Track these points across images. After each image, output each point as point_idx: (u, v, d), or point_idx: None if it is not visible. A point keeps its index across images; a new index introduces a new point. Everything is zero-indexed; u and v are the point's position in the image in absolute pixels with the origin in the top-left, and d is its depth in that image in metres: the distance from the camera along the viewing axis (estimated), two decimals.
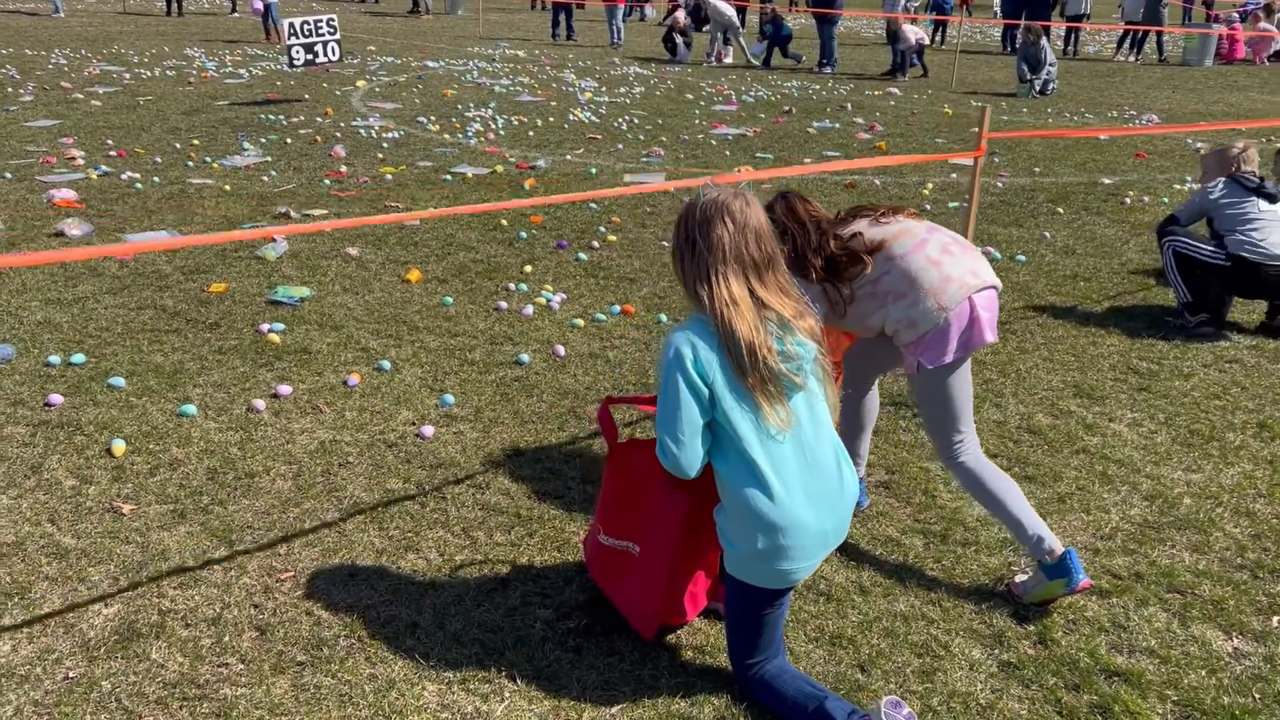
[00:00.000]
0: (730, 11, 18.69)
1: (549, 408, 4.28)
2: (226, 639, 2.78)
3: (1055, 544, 2.93)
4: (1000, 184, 8.80)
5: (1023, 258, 6.59)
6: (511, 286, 5.71)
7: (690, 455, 2.39)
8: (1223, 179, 5.25)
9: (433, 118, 11.42)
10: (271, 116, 11.12)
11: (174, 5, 24.97)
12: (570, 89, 14.25)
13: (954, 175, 9.13)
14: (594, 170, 8.92)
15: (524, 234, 6.81)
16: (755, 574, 2.45)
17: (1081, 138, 11.02)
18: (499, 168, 8.86)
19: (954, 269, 2.94)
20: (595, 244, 6.66)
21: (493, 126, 11.02)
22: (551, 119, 11.64)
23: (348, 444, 3.91)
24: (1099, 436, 4.11)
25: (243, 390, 4.34)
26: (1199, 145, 10.81)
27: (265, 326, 5.03)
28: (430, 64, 16.70)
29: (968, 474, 3.04)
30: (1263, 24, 21.54)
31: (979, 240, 6.75)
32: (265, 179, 8.25)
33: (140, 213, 7.09)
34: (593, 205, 7.65)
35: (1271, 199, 5.12)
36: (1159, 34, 20.97)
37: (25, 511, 3.37)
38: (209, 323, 5.11)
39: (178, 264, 6.00)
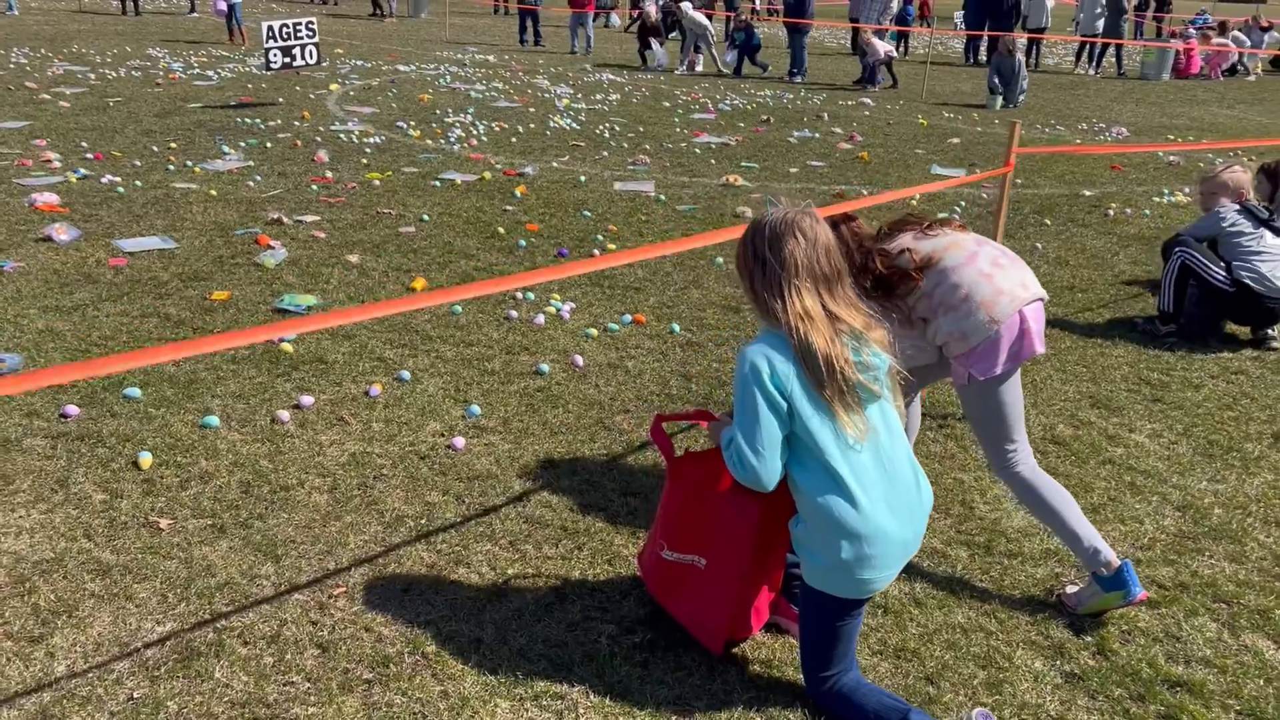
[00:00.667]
0: (704, 20, 18.78)
1: (576, 418, 4.26)
2: (288, 657, 2.73)
3: (1111, 556, 2.96)
4: (985, 194, 8.92)
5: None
6: (519, 295, 5.67)
7: (770, 469, 2.40)
8: (1235, 206, 5.35)
9: (412, 123, 11.33)
10: (247, 120, 10.96)
11: (130, 4, 24.51)
12: (546, 95, 14.21)
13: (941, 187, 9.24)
14: (583, 178, 8.90)
15: (523, 242, 6.77)
16: (837, 584, 2.45)
17: (1064, 151, 11.21)
18: (487, 174, 8.80)
19: (1005, 282, 2.97)
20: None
21: (474, 132, 10.95)
22: (532, 125, 11.60)
23: (379, 456, 3.86)
24: (1122, 447, 4.18)
25: (263, 400, 4.27)
26: (1172, 158, 11.05)
27: (275, 336, 4.94)
28: (401, 68, 16.56)
29: (1023, 485, 3.07)
30: (1217, 40, 22.10)
31: None
32: (250, 184, 8.12)
33: (127, 218, 6.94)
34: (587, 213, 7.63)
35: (1277, 232, 5.26)
36: (1118, 48, 21.41)
37: (59, 526, 3.28)
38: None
39: (174, 270, 5.88)
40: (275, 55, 12.24)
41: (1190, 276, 5.33)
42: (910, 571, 3.25)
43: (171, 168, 8.52)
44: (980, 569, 3.29)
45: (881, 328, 2.54)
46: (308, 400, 4.25)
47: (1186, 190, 9.13)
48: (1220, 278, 5.23)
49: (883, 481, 2.44)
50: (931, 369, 3.33)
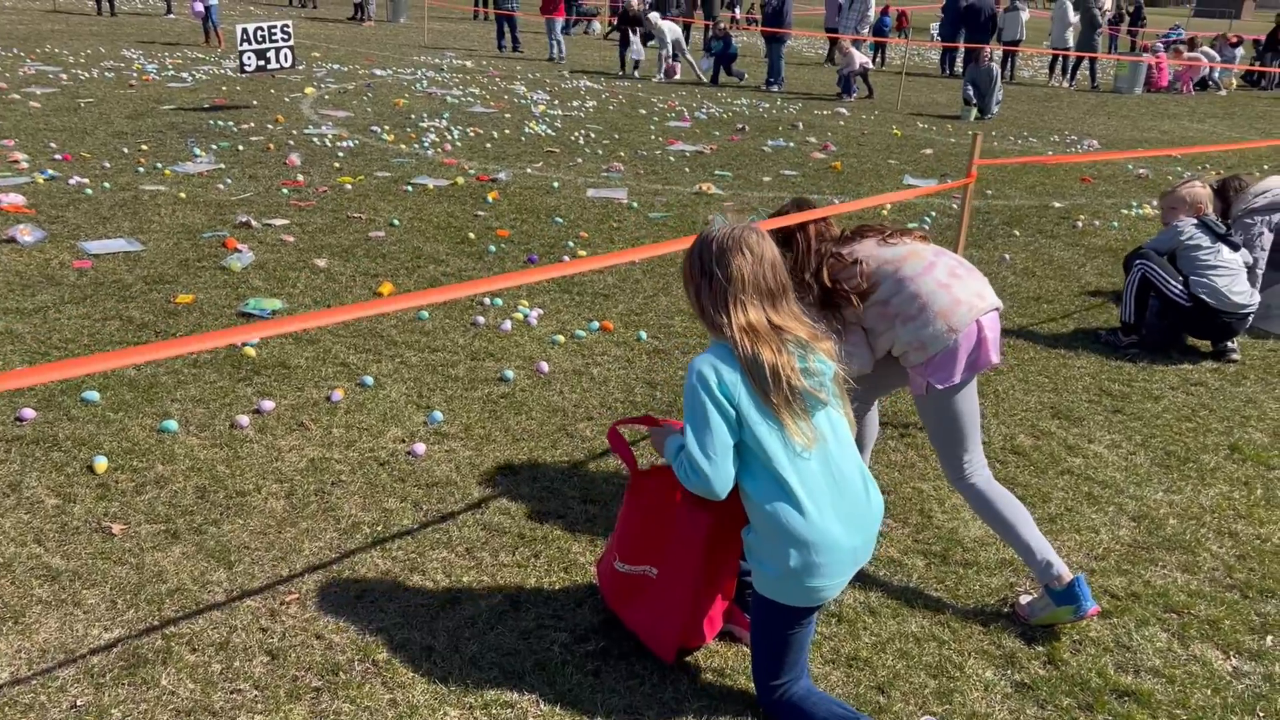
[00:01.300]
0: (676, 29, 18.83)
1: (539, 425, 4.25)
2: (237, 664, 2.70)
3: (1064, 570, 2.98)
4: (955, 205, 8.98)
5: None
6: (486, 301, 5.65)
7: (723, 475, 2.40)
8: (1193, 220, 5.42)
9: (387, 127, 11.30)
10: (221, 122, 10.89)
11: (105, 4, 24.34)
12: (523, 101, 14.21)
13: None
14: (556, 184, 8.90)
15: (493, 248, 6.76)
16: (787, 592, 2.45)
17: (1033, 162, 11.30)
18: (459, 179, 8.79)
19: (962, 292, 2.99)
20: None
21: (449, 137, 10.93)
22: (507, 131, 11.59)
23: (338, 462, 3.83)
24: (1081, 458, 4.21)
25: (223, 405, 4.23)
26: (1140, 170, 11.16)
27: (239, 340, 4.91)
28: (378, 72, 16.52)
29: (978, 496, 3.08)
30: (1188, 54, 22.36)
31: None
32: (220, 186, 8.07)
33: (94, 219, 6.88)
34: (558, 219, 7.63)
35: (1235, 247, 5.34)
36: (1092, 61, 21.63)
37: (9, 531, 3.24)
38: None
39: (139, 273, 5.83)
40: (250, 58, 12.18)
41: (1150, 289, 5.38)
42: (865, 580, 3.26)
43: (141, 170, 8.46)
44: (936, 578, 3.31)
45: (828, 339, 2.57)
46: (268, 405, 4.22)
47: (1154, 203, 9.22)
48: (1178, 291, 5.29)
49: (831, 490, 2.45)
50: (888, 379, 3.35)
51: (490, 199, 8.16)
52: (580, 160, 10.16)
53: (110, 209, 7.18)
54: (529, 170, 9.52)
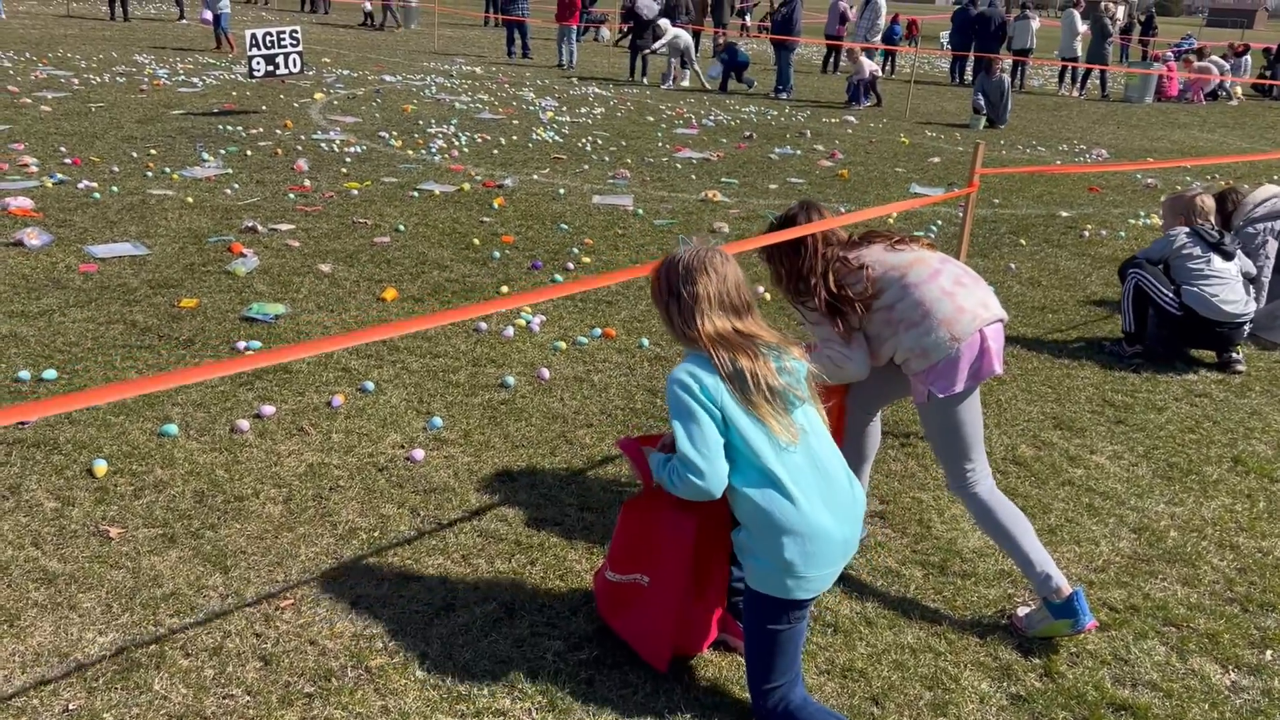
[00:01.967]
0: (685, 35, 18.85)
1: (539, 432, 4.25)
2: (230, 669, 2.70)
3: (1063, 583, 2.96)
4: (961, 214, 8.95)
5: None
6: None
7: (718, 471, 2.43)
8: (1185, 229, 5.40)
9: (394, 133, 11.33)
10: (229, 127, 10.94)
11: (118, 10, 24.48)
12: (531, 108, 14.24)
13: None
14: (562, 191, 8.91)
15: (497, 254, 6.77)
16: (781, 584, 2.46)
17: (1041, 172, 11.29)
18: (466, 185, 8.80)
19: (966, 300, 2.98)
20: (570, 265, 6.64)
21: (456, 143, 10.96)
22: (515, 138, 11.61)
23: (337, 467, 3.84)
24: (1082, 469, 4.19)
25: (224, 410, 4.24)
26: (1149, 180, 11.13)
27: (241, 344, 4.93)
28: (387, 78, 16.57)
29: (980, 505, 3.07)
30: (1198, 64, 22.30)
31: None
32: (228, 191, 8.10)
33: (101, 223, 6.92)
34: (564, 226, 7.64)
35: (1227, 256, 5.30)
36: (1102, 70, 21.59)
37: (7, 534, 3.25)
38: (182, 339, 4.99)
39: (144, 277, 5.85)
40: (259, 63, 12.23)
41: (1145, 297, 5.37)
42: (862, 590, 3.25)
43: (150, 174, 8.50)
44: (934, 589, 3.29)
45: (797, 343, 2.64)
46: (269, 410, 4.23)
47: (1159, 211, 9.18)
48: (1169, 300, 5.28)
49: (818, 480, 2.49)
50: (890, 387, 3.33)
51: (496, 205, 8.18)
52: (587, 167, 10.18)
53: (118, 213, 7.21)
54: (535, 177, 9.53)
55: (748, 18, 33.95)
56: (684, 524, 2.66)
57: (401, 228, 7.27)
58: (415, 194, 8.40)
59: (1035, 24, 21.57)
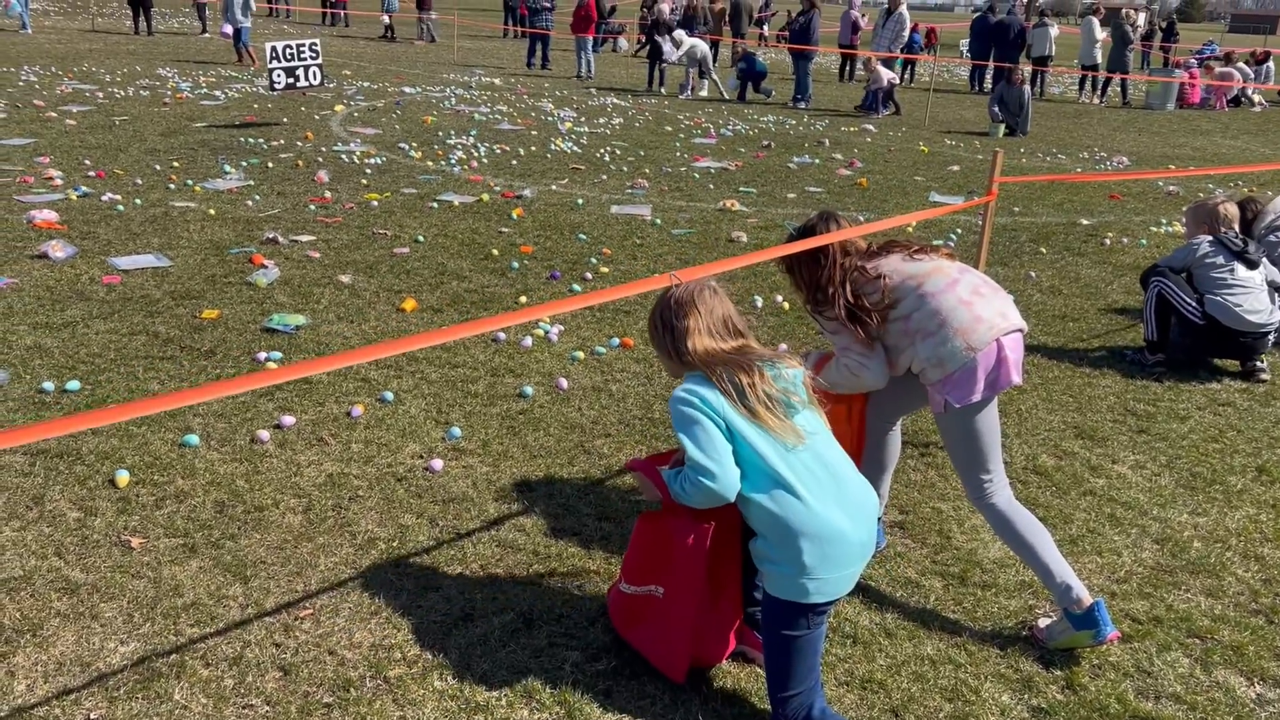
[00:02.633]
0: (703, 45, 18.89)
1: (557, 442, 4.25)
2: (249, 679, 2.72)
3: (1084, 594, 2.94)
4: (981, 222, 8.91)
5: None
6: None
7: (730, 474, 2.47)
8: (1209, 238, 5.35)
9: (414, 144, 11.39)
10: (251, 140, 11.03)
11: (142, 24, 24.76)
12: (550, 118, 14.29)
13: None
14: (580, 201, 8.93)
15: (515, 264, 6.79)
16: (799, 589, 2.46)
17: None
18: (485, 196, 8.84)
19: (984, 310, 2.97)
20: (588, 275, 6.65)
21: (475, 154, 11.01)
22: (533, 148, 11.66)
23: (356, 477, 3.85)
24: (1104, 478, 4.16)
25: (244, 420, 4.27)
26: (1170, 188, 11.05)
27: (262, 355, 4.96)
28: (407, 90, 16.68)
29: (998, 516, 3.05)
30: (1220, 70, 22.15)
31: None
32: (249, 203, 8.17)
33: (124, 235, 6.98)
34: (582, 236, 7.65)
35: (1251, 265, 5.25)
36: (1123, 78, 21.48)
37: (30, 544, 3.28)
38: (204, 350, 5.03)
39: (167, 289, 5.91)
40: (279, 76, 12.33)
41: (1168, 305, 5.32)
42: (882, 601, 3.23)
43: (172, 186, 8.58)
44: (953, 600, 3.27)
45: (792, 357, 2.73)
46: (289, 420, 4.25)
47: (1182, 219, 9.11)
48: (1192, 309, 5.25)
49: (830, 482, 2.51)
50: (909, 398, 3.32)
51: (515, 215, 8.21)
52: (605, 177, 10.20)
53: (141, 225, 7.28)
54: (554, 187, 9.56)
55: (765, 27, 33.99)
56: (698, 533, 2.66)
57: (421, 238, 7.31)
58: (435, 205, 8.44)
59: (1054, 31, 21.47)
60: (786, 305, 6.11)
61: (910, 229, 8.43)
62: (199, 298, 5.80)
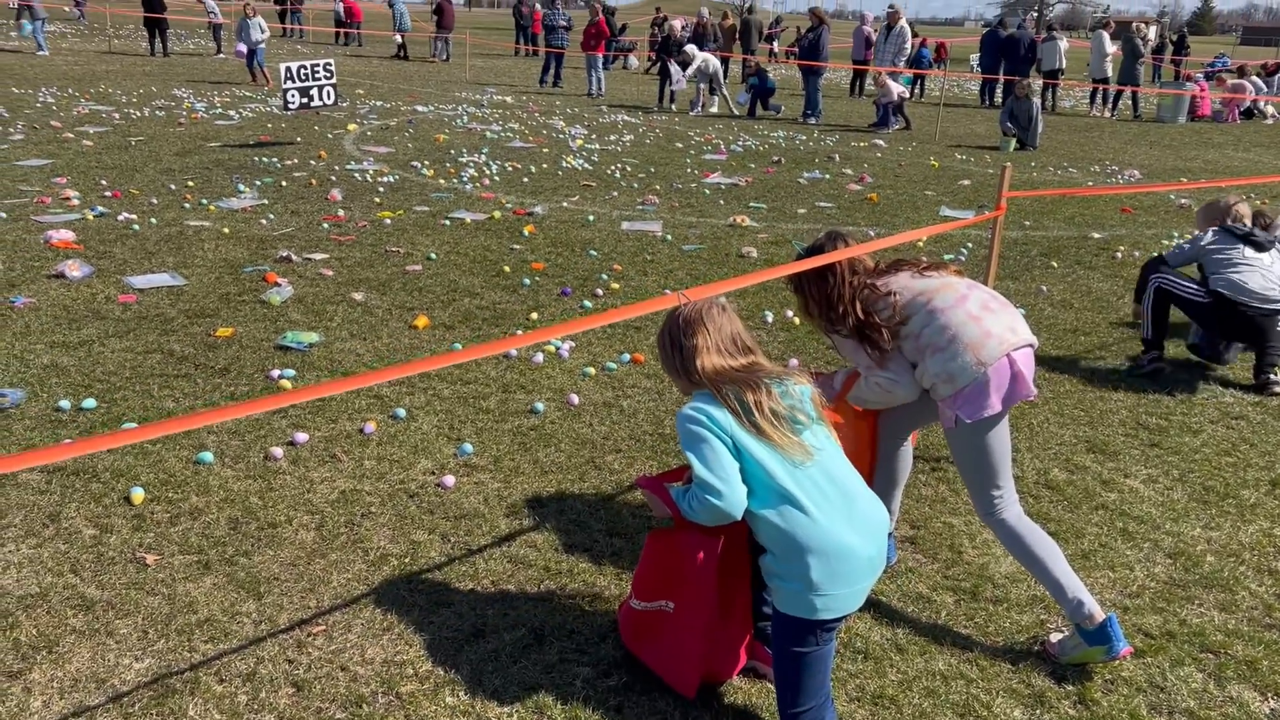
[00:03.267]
0: (715, 60, 18.98)
1: (568, 458, 4.27)
2: (263, 695, 2.73)
3: (1095, 609, 2.93)
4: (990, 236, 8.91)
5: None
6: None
7: (736, 492, 2.48)
8: (1214, 228, 5.44)
9: (427, 162, 11.47)
10: (265, 159, 11.13)
11: (158, 46, 25.02)
12: (561, 136, 14.37)
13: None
14: (591, 218, 8.97)
15: (527, 280, 6.82)
16: (808, 605, 2.46)
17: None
18: (496, 213, 8.89)
19: (994, 325, 2.97)
20: (599, 291, 6.68)
21: (487, 172, 11.08)
22: (545, 165, 11.72)
23: (369, 494, 3.88)
24: (1116, 493, 4.15)
25: (258, 437, 4.30)
26: (1183, 201, 11.03)
27: (276, 373, 5.00)
28: (420, 108, 16.80)
29: (1008, 532, 3.05)
30: (1232, 83, 22.12)
31: None
32: (263, 222, 8.23)
33: (140, 254, 7.05)
34: (593, 252, 7.69)
35: (1259, 247, 5.29)
36: (1134, 91, 21.46)
37: (47, 561, 3.31)
38: (218, 368, 5.07)
39: (181, 307, 5.96)
40: (293, 96, 12.44)
41: (1168, 301, 5.39)
42: (893, 617, 3.23)
43: (187, 205, 8.66)
44: (965, 615, 3.26)
45: (802, 373, 2.75)
46: (302, 437, 4.28)
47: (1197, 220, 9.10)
48: (1195, 291, 5.31)
49: (839, 499, 2.52)
50: (919, 413, 3.33)
51: (526, 232, 8.25)
52: (616, 194, 10.25)
53: (156, 244, 7.34)
54: (565, 204, 9.61)
55: (775, 44, 34.11)
56: (707, 548, 2.67)
57: (433, 256, 7.35)
58: (447, 222, 8.50)
59: (1064, 44, 21.50)
60: (797, 320, 6.12)
61: (921, 244, 8.44)
62: (213, 316, 5.85)
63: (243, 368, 5.08)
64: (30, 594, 3.13)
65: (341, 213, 8.67)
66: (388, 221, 8.44)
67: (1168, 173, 13.49)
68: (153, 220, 8.04)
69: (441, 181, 10.44)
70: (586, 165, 11.89)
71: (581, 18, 22.55)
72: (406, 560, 3.43)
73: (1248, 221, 5.48)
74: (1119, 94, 21.92)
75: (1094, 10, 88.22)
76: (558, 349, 5.50)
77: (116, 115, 14.03)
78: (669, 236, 8.38)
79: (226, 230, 7.84)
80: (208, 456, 4.06)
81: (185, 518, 3.63)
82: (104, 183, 9.43)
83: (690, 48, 18.72)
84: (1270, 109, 22.55)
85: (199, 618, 3.06)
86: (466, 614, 3.14)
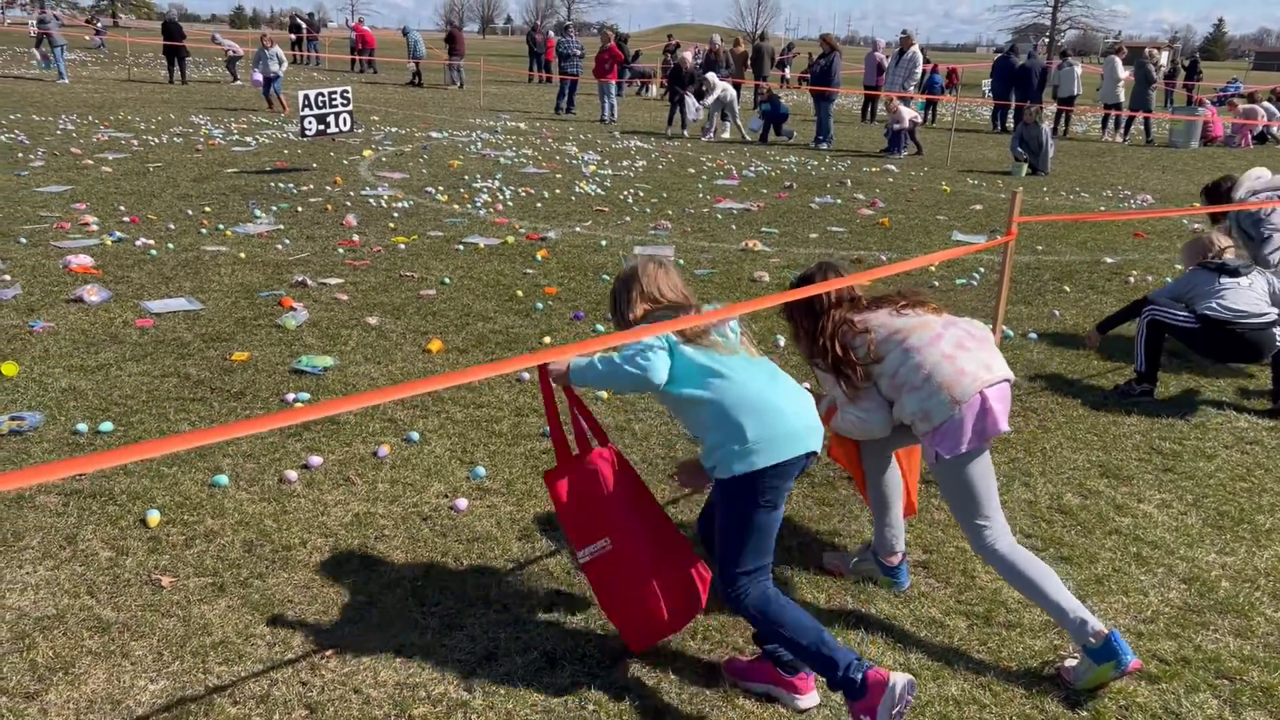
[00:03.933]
0: (731, 90, 19.10)
1: None
2: (276, 717, 2.74)
3: (1098, 625, 2.93)
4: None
5: (1034, 335, 6.68)
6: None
7: (659, 360, 2.77)
8: (1192, 268, 5.58)
9: (441, 188, 11.56)
10: (281, 185, 11.24)
11: (176, 73, 25.33)
12: (574, 162, 14.46)
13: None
14: (604, 242, 9.02)
15: (540, 305, 6.86)
16: (745, 459, 2.70)
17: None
18: (510, 238, 8.95)
19: (968, 363, 3.03)
20: (610, 315, 6.69)
21: (500, 197, 11.16)
22: (558, 191, 11.80)
23: (382, 516, 3.90)
24: (1130, 517, 4.13)
25: (273, 460, 4.33)
26: (1195, 226, 11.02)
27: (290, 396, 5.04)
28: (434, 135, 16.94)
29: (1001, 561, 3.07)
30: (1243, 108, 22.12)
31: (989, 317, 6.83)
32: (279, 247, 8.31)
33: (157, 279, 7.12)
34: (605, 277, 7.73)
35: (1234, 274, 5.41)
36: (1146, 116, 21.49)
37: (63, 583, 3.33)
38: (234, 392, 5.11)
39: (198, 331, 6.01)
40: (310, 123, 12.58)
41: (1162, 332, 5.47)
42: (906, 641, 3.22)
43: (204, 231, 8.75)
44: (978, 640, 3.26)
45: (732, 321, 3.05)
46: (316, 460, 4.31)
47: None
48: (1184, 318, 5.39)
49: (763, 374, 2.86)
50: (901, 438, 3.37)
51: (539, 257, 8.30)
52: (628, 219, 10.30)
53: (173, 269, 7.42)
54: (578, 229, 9.66)
55: (787, 70, 34.30)
56: (601, 459, 2.97)
57: (447, 280, 7.40)
58: (460, 247, 8.56)
59: (1078, 70, 21.56)
60: (783, 341, 6.13)
61: (934, 268, 8.45)
62: (229, 340, 5.90)
63: (258, 391, 5.12)
64: (47, 615, 3.15)
65: (356, 238, 8.74)
66: (402, 246, 8.51)
67: (1180, 197, 13.49)
68: (170, 245, 8.13)
69: (455, 207, 10.52)
70: (599, 190, 11.97)
71: (593, 44, 22.73)
72: (419, 583, 3.44)
73: (1227, 254, 5.59)
74: (1131, 119, 21.94)
75: (1105, 36, 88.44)
76: None
77: (135, 142, 14.20)
78: (681, 261, 8.41)
79: (243, 255, 7.92)
80: (223, 479, 4.09)
81: (200, 540, 3.65)
82: (122, 208, 9.53)
83: (710, 76, 18.83)
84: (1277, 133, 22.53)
85: (213, 640, 3.07)
86: (479, 637, 3.15)
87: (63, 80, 23.72)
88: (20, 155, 12.36)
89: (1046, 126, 15.60)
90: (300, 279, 7.21)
